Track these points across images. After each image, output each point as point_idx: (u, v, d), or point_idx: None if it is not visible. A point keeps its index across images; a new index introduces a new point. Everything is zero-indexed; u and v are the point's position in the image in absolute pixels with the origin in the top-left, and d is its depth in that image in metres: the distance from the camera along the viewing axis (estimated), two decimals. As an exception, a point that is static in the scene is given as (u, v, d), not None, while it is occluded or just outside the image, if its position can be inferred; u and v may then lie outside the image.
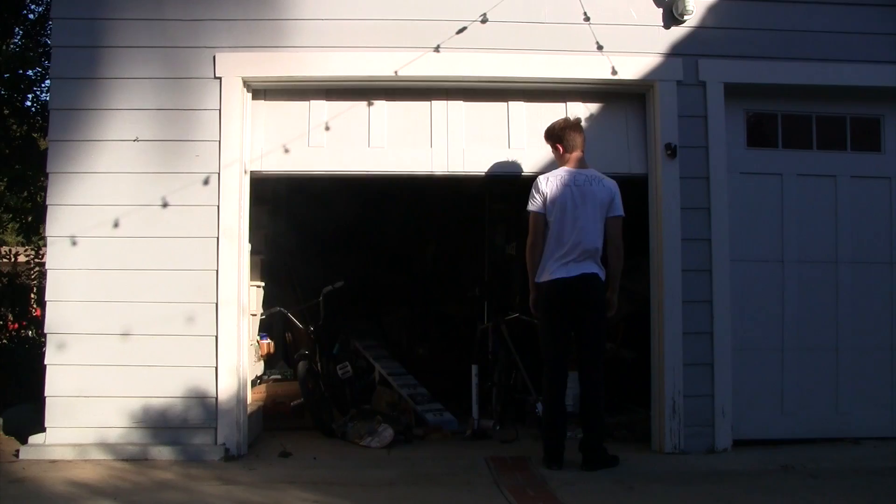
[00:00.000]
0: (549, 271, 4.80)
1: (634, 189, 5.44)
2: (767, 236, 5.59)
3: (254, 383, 6.22)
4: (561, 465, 4.81)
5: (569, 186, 4.82)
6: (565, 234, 4.78)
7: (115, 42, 5.21)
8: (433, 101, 5.51)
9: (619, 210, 4.89)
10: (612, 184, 4.92)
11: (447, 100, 5.50)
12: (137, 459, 4.93)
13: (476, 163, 5.46)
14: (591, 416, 4.85)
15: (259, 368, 6.50)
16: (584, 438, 4.88)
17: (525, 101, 5.56)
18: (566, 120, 5.09)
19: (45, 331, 5.10)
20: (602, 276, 4.86)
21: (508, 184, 8.89)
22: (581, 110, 5.54)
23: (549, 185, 4.85)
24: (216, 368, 5.07)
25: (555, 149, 5.05)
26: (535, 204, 4.86)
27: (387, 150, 5.45)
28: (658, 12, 5.43)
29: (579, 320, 4.85)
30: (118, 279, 5.11)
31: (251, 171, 5.35)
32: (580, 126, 5.05)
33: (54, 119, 5.20)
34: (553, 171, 4.97)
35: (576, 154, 4.95)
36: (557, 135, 4.99)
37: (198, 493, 4.30)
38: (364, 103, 5.46)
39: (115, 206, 5.12)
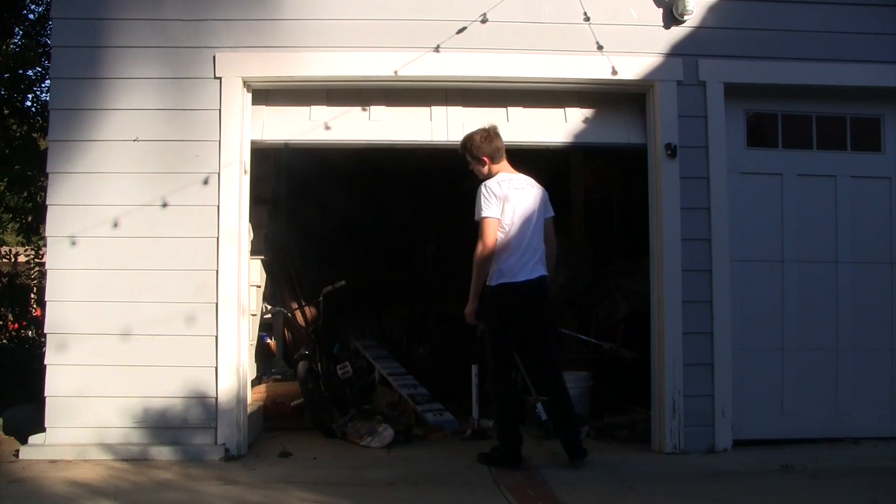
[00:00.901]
0: (510, 274, 4.76)
1: (635, 189, 5.44)
2: (767, 236, 5.59)
3: (254, 383, 6.21)
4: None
5: (519, 190, 4.84)
6: (525, 237, 4.79)
7: (115, 42, 5.21)
8: (433, 107, 5.54)
9: (552, 210, 5.02)
10: (541, 188, 4.99)
11: (446, 105, 5.52)
12: (137, 459, 4.93)
13: None
14: (569, 413, 4.88)
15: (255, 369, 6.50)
16: (567, 435, 4.86)
17: (524, 101, 5.57)
18: (485, 130, 4.94)
19: (45, 331, 5.10)
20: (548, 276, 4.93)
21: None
22: (580, 112, 5.57)
23: (502, 189, 4.80)
24: (216, 368, 5.07)
25: (481, 162, 4.92)
26: (492, 209, 4.75)
27: (387, 123, 5.47)
28: (658, 12, 5.43)
29: (538, 321, 4.86)
30: (118, 279, 5.10)
31: (252, 141, 5.35)
32: (499, 133, 4.96)
33: (54, 119, 5.20)
34: (498, 176, 4.89)
35: (504, 162, 4.93)
36: (483, 147, 4.89)
37: (198, 493, 4.30)
38: (358, 109, 5.48)
39: (115, 206, 5.12)
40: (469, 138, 4.95)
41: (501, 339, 4.88)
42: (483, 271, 4.81)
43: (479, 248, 4.78)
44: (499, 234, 4.78)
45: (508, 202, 4.77)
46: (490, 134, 4.91)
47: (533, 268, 4.79)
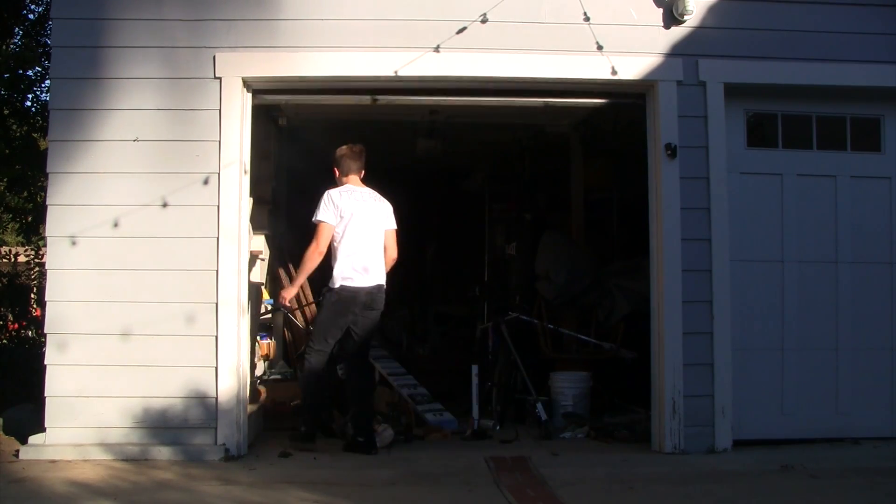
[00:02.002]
0: (349, 280, 5.22)
1: (635, 189, 5.44)
2: (767, 236, 5.59)
3: (254, 383, 6.21)
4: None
5: (360, 202, 5.30)
6: (360, 245, 5.24)
7: (116, 42, 5.20)
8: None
9: (394, 224, 5.47)
10: (386, 202, 5.46)
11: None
12: (137, 459, 4.93)
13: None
14: (367, 399, 5.48)
15: (259, 369, 6.50)
16: (358, 419, 5.33)
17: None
18: (349, 147, 5.45)
19: (45, 331, 5.10)
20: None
21: (508, 184, 8.95)
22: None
23: (342, 198, 5.27)
24: (216, 368, 5.07)
25: (334, 171, 5.47)
26: (327, 215, 5.21)
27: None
28: (658, 12, 5.43)
29: (365, 322, 5.33)
30: (118, 279, 5.10)
31: (254, 105, 5.39)
32: (360, 154, 5.46)
33: (54, 119, 5.20)
34: (342, 187, 5.36)
35: (353, 176, 5.41)
36: (336, 159, 5.45)
37: (198, 493, 4.30)
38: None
39: (115, 206, 5.11)
40: (339, 148, 5.47)
41: (331, 330, 5.31)
42: (310, 267, 5.26)
43: (312, 247, 5.24)
44: (334, 237, 5.24)
45: (345, 210, 5.23)
46: (352, 150, 5.44)
47: (371, 276, 5.25)
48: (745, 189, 5.55)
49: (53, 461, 4.86)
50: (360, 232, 5.25)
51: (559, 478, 4.63)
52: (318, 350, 5.36)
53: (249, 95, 5.35)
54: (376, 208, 5.39)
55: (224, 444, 5.03)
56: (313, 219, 5.27)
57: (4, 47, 7.93)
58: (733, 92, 5.46)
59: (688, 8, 5.31)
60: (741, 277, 5.47)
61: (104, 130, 5.16)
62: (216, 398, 5.06)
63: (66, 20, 5.24)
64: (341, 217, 5.23)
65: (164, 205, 5.13)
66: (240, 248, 5.21)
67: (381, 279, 5.34)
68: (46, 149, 5.31)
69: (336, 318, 5.30)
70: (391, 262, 5.49)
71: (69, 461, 4.87)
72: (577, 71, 5.37)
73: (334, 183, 5.49)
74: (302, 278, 5.38)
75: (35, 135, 8.00)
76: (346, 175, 5.43)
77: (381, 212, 5.41)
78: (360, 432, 5.32)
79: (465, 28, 5.25)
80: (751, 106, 5.65)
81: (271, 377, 6.77)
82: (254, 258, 6.03)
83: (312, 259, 5.24)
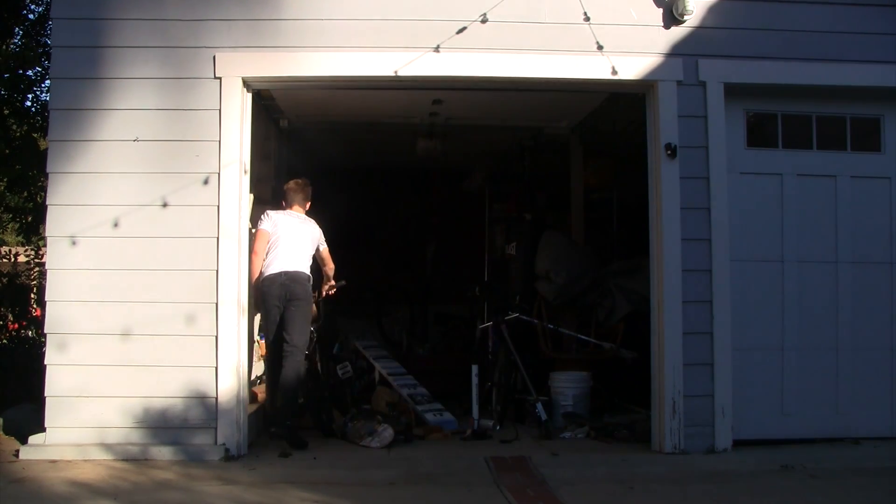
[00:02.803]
0: (267, 270, 5.68)
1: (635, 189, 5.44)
2: (767, 236, 5.59)
3: (254, 383, 6.22)
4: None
5: (289, 218, 5.90)
6: (283, 248, 5.72)
7: (116, 42, 5.21)
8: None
9: (325, 244, 6.11)
10: (315, 224, 6.02)
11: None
12: (137, 459, 4.93)
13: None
14: (288, 393, 5.62)
15: (259, 368, 6.50)
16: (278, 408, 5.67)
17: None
18: (294, 182, 6.07)
19: (45, 331, 5.10)
20: (307, 274, 5.82)
21: (508, 184, 8.96)
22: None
23: (278, 214, 5.91)
24: (216, 368, 5.08)
25: (282, 203, 6.05)
26: (263, 225, 5.80)
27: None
28: (658, 12, 5.43)
29: (288, 313, 5.65)
30: (118, 279, 5.11)
31: (253, 86, 5.43)
32: (304, 187, 6.04)
33: (54, 119, 5.20)
34: (280, 210, 5.93)
35: (295, 206, 6.01)
36: (283, 192, 6.09)
37: (198, 493, 4.30)
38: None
39: (115, 206, 5.12)
40: (287, 182, 6.14)
41: (269, 327, 5.72)
42: (255, 267, 5.68)
43: (253, 247, 5.76)
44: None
45: (275, 223, 5.81)
46: (296, 184, 6.06)
47: (285, 264, 5.67)
48: (745, 189, 5.55)
49: (53, 461, 4.86)
50: (285, 239, 5.73)
51: (559, 478, 4.63)
52: (267, 348, 5.83)
53: (249, 95, 5.36)
54: (304, 226, 5.93)
55: (224, 444, 5.03)
56: (253, 229, 5.78)
57: (4, 47, 7.93)
58: (733, 92, 5.46)
59: (688, 8, 5.31)
60: (741, 277, 5.47)
61: (104, 130, 5.17)
62: (216, 398, 5.06)
63: (66, 20, 5.25)
64: (274, 227, 5.77)
65: (164, 205, 5.13)
66: (240, 248, 5.22)
67: (300, 268, 5.74)
68: (46, 149, 5.32)
69: (267, 314, 5.69)
70: (331, 272, 6.18)
71: (69, 461, 4.87)
72: (578, 71, 5.38)
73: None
74: (254, 276, 5.70)
75: (35, 135, 7.99)
76: (291, 206, 5.97)
77: (309, 230, 5.94)
78: (275, 423, 5.64)
79: (465, 28, 5.26)
80: (751, 106, 5.66)
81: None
82: None
83: (254, 259, 5.69)
